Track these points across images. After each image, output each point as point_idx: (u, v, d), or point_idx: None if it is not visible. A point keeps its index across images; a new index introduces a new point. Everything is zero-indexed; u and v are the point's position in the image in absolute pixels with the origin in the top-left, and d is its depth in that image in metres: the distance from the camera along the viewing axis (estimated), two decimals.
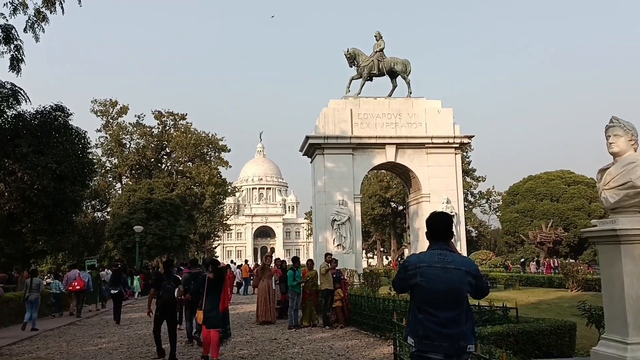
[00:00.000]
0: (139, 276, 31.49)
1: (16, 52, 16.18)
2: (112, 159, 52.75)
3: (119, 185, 53.98)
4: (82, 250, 49.61)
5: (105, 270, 29.44)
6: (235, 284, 30.80)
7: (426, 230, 4.32)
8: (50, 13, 15.64)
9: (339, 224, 24.57)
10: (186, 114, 54.40)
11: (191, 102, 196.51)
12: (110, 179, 54.03)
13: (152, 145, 52.46)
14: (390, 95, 27.35)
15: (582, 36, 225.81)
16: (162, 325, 10.77)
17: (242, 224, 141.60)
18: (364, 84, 27.02)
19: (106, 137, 52.19)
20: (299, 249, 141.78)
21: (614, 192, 6.21)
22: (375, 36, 27.75)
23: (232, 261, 46.82)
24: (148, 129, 52.55)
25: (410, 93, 27.04)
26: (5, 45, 16.09)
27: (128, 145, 52.60)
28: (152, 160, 52.97)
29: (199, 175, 50.94)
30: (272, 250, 25.25)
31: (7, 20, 15.91)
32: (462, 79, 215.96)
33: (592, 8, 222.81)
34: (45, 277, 35.97)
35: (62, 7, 15.70)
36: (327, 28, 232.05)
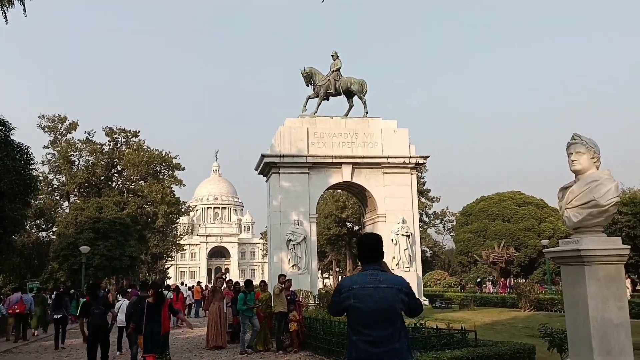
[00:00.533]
0: (84, 299, 30.01)
1: None
2: (60, 176, 50.82)
3: (66, 203, 51.96)
4: (24, 272, 47.29)
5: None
6: (186, 306, 29.78)
7: (358, 252, 4.40)
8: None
9: (294, 244, 24.13)
10: (139, 131, 53.12)
11: (145, 120, 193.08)
12: (57, 197, 51.96)
13: (103, 162, 50.87)
14: (346, 115, 27.32)
15: (533, 62, 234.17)
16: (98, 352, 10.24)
17: (196, 244, 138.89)
18: (320, 103, 26.93)
19: (54, 154, 50.29)
20: (254, 270, 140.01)
21: (577, 211, 6.03)
22: (332, 55, 27.79)
23: (182, 282, 45.44)
24: (98, 146, 50.96)
25: (367, 113, 27.08)
26: None
27: (77, 163, 50.82)
28: (102, 178, 51.31)
29: (151, 194, 49.58)
30: (225, 271, 24.60)
31: None
32: (417, 99, 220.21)
33: (543, 37, 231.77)
34: None
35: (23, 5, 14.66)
36: (284, 46, 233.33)
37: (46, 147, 50.22)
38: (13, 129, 24.61)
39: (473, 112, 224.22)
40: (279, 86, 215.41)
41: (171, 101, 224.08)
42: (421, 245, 39.33)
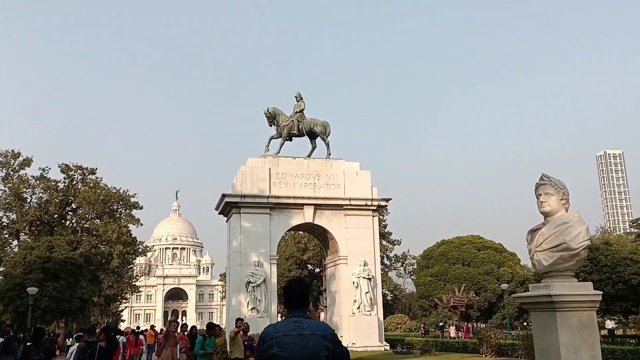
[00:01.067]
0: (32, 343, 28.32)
1: None
2: (10, 214, 48.76)
3: (15, 242, 49.73)
4: None
5: None
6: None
7: (284, 299, 4.40)
8: None
9: (254, 286, 23.50)
10: (96, 169, 51.77)
11: (103, 157, 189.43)
12: (6, 236, 49.73)
13: (57, 200, 49.13)
14: (309, 156, 27.26)
15: (496, 111, 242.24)
16: None
17: (153, 286, 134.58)
18: (283, 144, 26.81)
19: (4, 191, 48.36)
20: (212, 312, 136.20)
21: (547, 254, 5.83)
22: (295, 97, 27.85)
23: (137, 327, 43.61)
24: (53, 183, 49.31)
25: (330, 154, 27.07)
26: None
27: (29, 200, 48.96)
28: (55, 216, 49.47)
29: (107, 233, 47.96)
30: (182, 314, 23.66)
31: None
32: (380, 143, 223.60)
33: (506, 90, 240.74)
34: None
35: None
36: (248, 86, 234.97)
37: None
38: None
39: (434, 157, 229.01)
40: (242, 126, 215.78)
41: (131, 139, 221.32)
42: (382, 289, 39.01)
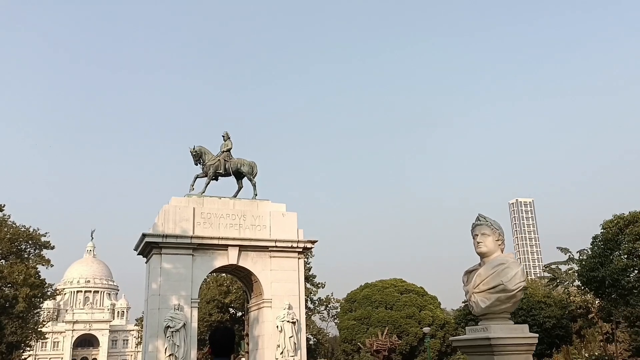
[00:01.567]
0: None
1: None
2: None
3: None
4: None
5: None
6: None
7: (209, 346, 4.58)
8: None
9: (172, 331, 22.40)
10: (4, 205, 48.46)
11: (12, 194, 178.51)
12: None
13: None
14: (235, 196, 26.86)
15: (415, 159, 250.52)
16: None
17: (61, 332, 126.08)
18: (209, 183, 26.29)
19: None
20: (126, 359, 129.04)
21: (485, 295, 5.76)
22: (223, 136, 27.55)
23: None
24: None
25: (256, 195, 26.80)
26: None
27: None
28: None
29: (12, 275, 44.63)
30: None
31: None
32: (305, 184, 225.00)
33: (416, 127, 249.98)
34: None
35: None
36: (173, 124, 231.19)
37: None
38: None
39: (357, 202, 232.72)
40: (165, 165, 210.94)
41: (44, 175, 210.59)
42: (306, 333, 38.47)
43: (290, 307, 24.51)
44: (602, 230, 37.82)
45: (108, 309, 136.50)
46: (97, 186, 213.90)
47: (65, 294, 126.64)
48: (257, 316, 25.91)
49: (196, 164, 26.64)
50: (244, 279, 27.67)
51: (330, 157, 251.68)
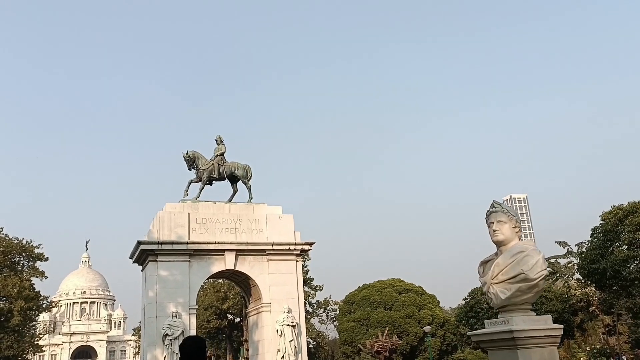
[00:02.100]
0: None
1: None
2: None
3: None
4: None
5: None
6: None
7: (179, 357, 4.60)
8: None
9: (171, 339, 22.00)
10: None
11: (3, 206, 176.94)
12: None
13: None
14: (230, 200, 26.54)
15: (417, 157, 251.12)
16: None
17: (58, 345, 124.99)
18: (203, 188, 25.92)
19: None
20: None
21: (504, 286, 5.41)
22: (216, 140, 27.19)
23: None
24: None
25: (251, 198, 26.48)
26: None
27: None
28: None
29: (6, 288, 44.12)
30: None
31: None
32: (301, 187, 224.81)
33: (414, 127, 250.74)
34: None
35: None
36: (165, 130, 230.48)
37: None
38: None
39: (354, 203, 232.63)
40: (158, 171, 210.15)
41: (36, 186, 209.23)
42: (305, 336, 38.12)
43: (289, 311, 24.17)
44: (601, 222, 37.66)
45: (105, 320, 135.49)
46: (89, 196, 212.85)
47: (61, 305, 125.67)
48: (257, 321, 25.56)
49: (190, 169, 26.27)
50: (242, 283, 27.32)
51: (322, 157, 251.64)
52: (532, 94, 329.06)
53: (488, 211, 5.75)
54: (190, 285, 23.63)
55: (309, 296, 61.19)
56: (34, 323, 58.15)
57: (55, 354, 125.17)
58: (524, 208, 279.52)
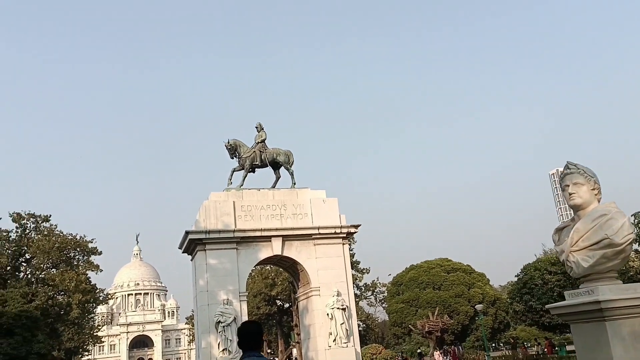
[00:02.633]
0: None
1: None
2: None
3: None
4: None
5: None
6: None
7: (238, 341, 4.75)
8: None
9: (224, 326, 22.32)
10: (50, 215, 49.67)
11: (57, 203, 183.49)
12: None
13: (9, 251, 46.68)
14: (274, 186, 26.61)
15: (457, 139, 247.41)
16: None
17: (116, 335, 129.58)
18: (246, 176, 26.06)
19: None
20: (179, 358, 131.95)
21: (586, 253, 5.00)
22: (256, 127, 27.25)
23: None
24: (4, 234, 46.90)
25: (295, 184, 26.47)
26: None
27: None
28: (8, 268, 46.91)
29: (64, 282, 45.69)
30: None
31: None
32: (343, 172, 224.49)
33: (453, 106, 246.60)
34: None
35: None
36: (206, 120, 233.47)
37: None
38: None
39: (396, 183, 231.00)
40: (201, 161, 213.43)
41: (86, 182, 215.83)
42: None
43: (339, 294, 24.14)
44: None
45: (159, 310, 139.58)
46: (137, 190, 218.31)
47: (117, 297, 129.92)
48: (306, 305, 25.65)
49: (232, 158, 26.43)
50: (290, 269, 27.46)
51: (366, 137, 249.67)
52: (578, 63, 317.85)
53: (562, 173, 5.30)
54: (239, 273, 23.87)
55: (356, 279, 61.20)
56: (92, 315, 60.24)
57: (114, 344, 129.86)
58: None
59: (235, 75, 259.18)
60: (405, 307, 56.30)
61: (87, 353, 70.60)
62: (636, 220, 41.22)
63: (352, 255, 58.40)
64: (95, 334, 63.52)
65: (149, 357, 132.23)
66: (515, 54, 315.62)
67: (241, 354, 4.47)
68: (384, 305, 68.23)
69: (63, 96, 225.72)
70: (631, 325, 4.77)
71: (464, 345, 54.06)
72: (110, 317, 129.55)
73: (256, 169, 26.65)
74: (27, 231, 48.40)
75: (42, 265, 48.01)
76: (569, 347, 44.03)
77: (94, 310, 60.38)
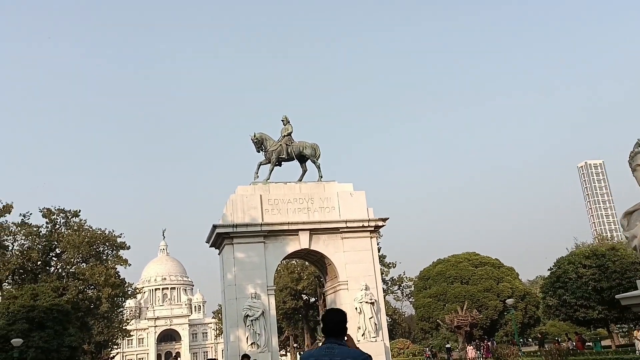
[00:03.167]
0: None
1: None
2: None
3: None
4: None
5: None
6: None
7: (322, 327, 4.77)
8: None
9: (252, 320, 22.25)
10: (79, 211, 50.27)
11: (86, 199, 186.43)
12: None
13: (40, 246, 47.38)
14: (300, 180, 26.38)
15: (480, 130, 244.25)
16: None
17: (145, 329, 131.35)
18: (272, 169, 25.87)
19: None
20: (206, 352, 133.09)
21: None
22: (282, 120, 27.02)
23: None
24: (35, 229, 47.61)
25: (321, 177, 26.18)
26: None
27: (10, 248, 47.13)
28: (39, 262, 47.63)
29: (94, 277, 46.20)
30: (176, 355, 22.27)
31: None
32: (369, 165, 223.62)
33: (480, 96, 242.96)
34: None
35: None
36: (231, 114, 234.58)
37: None
38: None
39: (424, 176, 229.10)
40: (227, 155, 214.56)
41: (114, 178, 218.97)
42: None
43: (367, 288, 23.85)
44: None
45: (185, 304, 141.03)
46: (164, 185, 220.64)
47: (144, 292, 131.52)
48: (334, 299, 25.40)
49: (258, 151, 26.27)
50: (317, 262, 27.23)
51: (394, 129, 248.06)
52: (606, 55, 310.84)
53: (632, 152, 4.92)
54: (267, 266, 23.75)
55: (383, 273, 60.78)
56: (121, 309, 60.97)
57: (143, 338, 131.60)
58: (600, 174, 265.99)
59: (261, 71, 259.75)
60: (433, 302, 55.64)
61: (116, 347, 71.69)
62: None
63: (378, 250, 58.03)
64: (124, 327, 64.32)
65: (176, 350, 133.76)
66: (551, 44, 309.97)
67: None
68: (410, 299, 67.62)
69: (94, 90, 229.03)
70: None
71: (495, 339, 53.23)
72: (138, 312, 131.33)
73: (282, 163, 26.45)
74: (57, 226, 49.06)
75: (72, 260, 48.61)
76: (603, 343, 43.01)
77: (123, 304, 61.03)
